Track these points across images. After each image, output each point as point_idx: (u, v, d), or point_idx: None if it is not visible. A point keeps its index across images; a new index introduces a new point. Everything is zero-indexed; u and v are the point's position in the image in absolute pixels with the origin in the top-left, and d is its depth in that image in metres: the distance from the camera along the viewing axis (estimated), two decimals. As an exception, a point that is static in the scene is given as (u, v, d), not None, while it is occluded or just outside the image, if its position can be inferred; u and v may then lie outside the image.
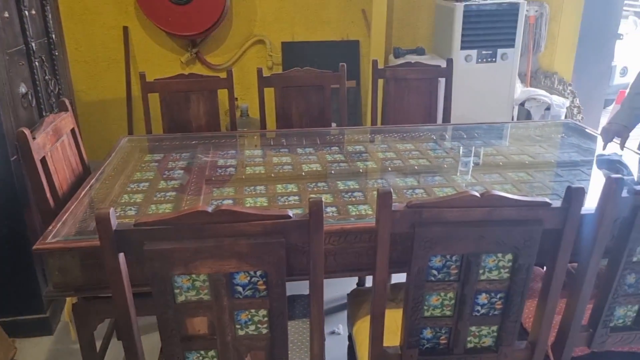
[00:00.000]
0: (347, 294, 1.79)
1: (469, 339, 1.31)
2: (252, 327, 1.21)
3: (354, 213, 1.61)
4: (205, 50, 3.83)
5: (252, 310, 1.18)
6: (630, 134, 2.12)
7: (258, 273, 1.14)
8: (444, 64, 2.78)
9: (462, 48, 3.44)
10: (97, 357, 1.74)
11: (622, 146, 2.13)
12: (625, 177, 1.88)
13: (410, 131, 2.46)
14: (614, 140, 2.14)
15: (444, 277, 1.22)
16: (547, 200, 1.15)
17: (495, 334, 1.31)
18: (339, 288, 2.24)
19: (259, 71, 2.59)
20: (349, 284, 2.24)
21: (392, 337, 1.32)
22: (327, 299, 2.61)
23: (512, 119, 3.75)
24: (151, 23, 3.61)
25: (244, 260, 1.10)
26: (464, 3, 3.35)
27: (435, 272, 1.21)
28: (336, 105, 2.70)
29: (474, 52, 3.48)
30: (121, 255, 1.10)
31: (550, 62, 4.09)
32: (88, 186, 1.80)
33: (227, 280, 1.13)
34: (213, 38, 3.78)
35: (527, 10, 3.69)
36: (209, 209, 1.06)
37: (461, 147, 2.23)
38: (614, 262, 1.30)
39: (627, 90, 2.21)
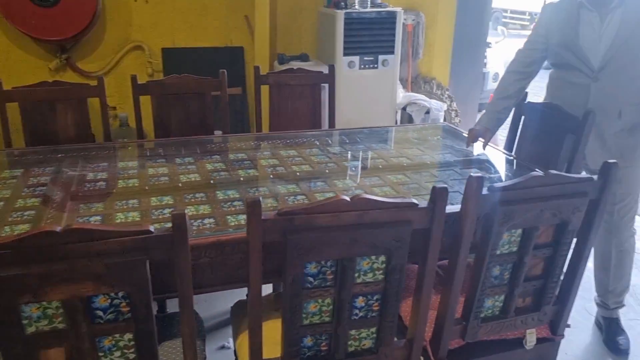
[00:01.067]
0: (231, 307, 1.73)
1: (349, 342, 1.31)
2: (118, 354, 1.11)
3: (233, 223, 1.56)
4: (77, 56, 3.57)
5: (116, 335, 1.09)
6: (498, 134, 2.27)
7: (120, 294, 1.05)
8: (327, 70, 2.81)
9: (345, 54, 3.51)
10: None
11: (484, 146, 2.27)
12: (492, 175, 2.02)
13: (294, 137, 2.45)
14: (480, 140, 2.28)
15: (320, 283, 1.20)
16: (414, 201, 1.18)
17: (374, 335, 1.32)
18: (230, 300, 2.16)
19: (133, 78, 2.45)
20: (242, 295, 2.18)
21: (276, 349, 1.28)
22: (217, 312, 2.54)
23: (396, 123, 3.90)
24: (13, 27, 3.30)
25: (102, 282, 1.00)
26: (344, 11, 3.42)
27: (311, 279, 1.19)
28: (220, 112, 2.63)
29: (356, 59, 3.56)
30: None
31: (428, 68, 4.31)
32: None
33: (84, 305, 1.03)
34: (85, 43, 3.53)
35: (404, 19, 3.86)
36: (58, 229, 0.96)
37: (343, 152, 2.26)
38: (479, 257, 1.37)
39: (492, 95, 2.37)
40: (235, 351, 1.60)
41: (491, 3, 4.74)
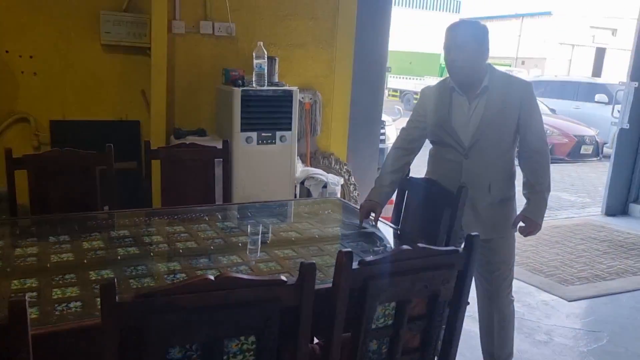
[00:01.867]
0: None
1: None
2: None
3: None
4: (-49, 129, 3.34)
5: None
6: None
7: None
8: (221, 145, 2.82)
9: (243, 130, 3.56)
10: None
11: (376, 220, 2.35)
12: (377, 248, 2.07)
13: (184, 213, 2.39)
14: (371, 216, 2.35)
15: (185, 369, 1.14)
16: (282, 277, 1.17)
17: (247, 422, 1.25)
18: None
19: (7, 151, 2.31)
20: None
21: None
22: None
23: (295, 197, 3.95)
24: None
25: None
26: (241, 88, 3.50)
27: (175, 365, 1.12)
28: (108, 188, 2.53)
29: (254, 134, 3.62)
30: None
31: (327, 144, 4.47)
32: None
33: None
34: (-36, 115, 3.33)
35: (302, 97, 4.02)
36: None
37: (232, 227, 2.23)
38: (355, 332, 1.37)
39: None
40: None
41: (384, 85, 5.09)
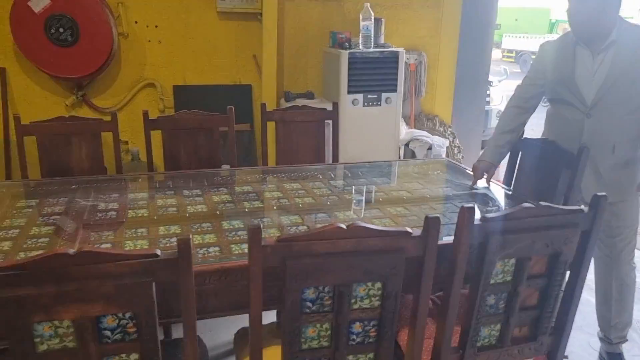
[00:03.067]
0: (234, 334, 1.77)
1: (347, 368, 1.35)
2: (124, 374, 1.16)
3: (237, 252, 1.62)
4: (92, 93, 3.72)
5: (123, 355, 1.14)
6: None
7: (127, 315, 1.10)
8: (331, 108, 2.91)
9: (349, 92, 3.63)
10: None
11: (489, 181, 2.33)
12: (490, 208, 2.07)
13: (299, 171, 2.53)
14: (484, 176, 2.34)
15: (318, 308, 1.25)
16: (408, 229, 1.24)
17: (371, 360, 1.36)
18: (234, 331, 2.20)
19: (145, 114, 2.56)
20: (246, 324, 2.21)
21: (275, 374, 1.32)
22: (222, 342, 2.56)
23: (399, 159, 3.98)
24: (32, 65, 3.46)
25: (111, 303, 1.06)
26: (348, 51, 3.55)
27: (309, 304, 1.24)
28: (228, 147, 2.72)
29: (360, 97, 3.67)
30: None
31: (431, 105, 4.42)
32: (-54, 236, 1.66)
33: (93, 325, 1.09)
34: (100, 81, 3.68)
35: (407, 58, 3.99)
36: (71, 251, 1.02)
37: (345, 185, 2.33)
38: (474, 286, 1.41)
39: (494, 131, 2.45)
40: (237, 378, 1.64)
41: (492, 44, 4.89)
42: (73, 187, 2.20)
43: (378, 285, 1.27)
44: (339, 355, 1.30)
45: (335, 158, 2.94)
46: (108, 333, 1.10)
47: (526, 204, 1.38)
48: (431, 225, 1.24)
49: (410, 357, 1.39)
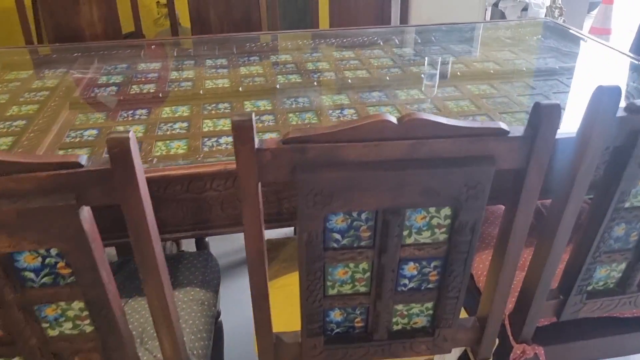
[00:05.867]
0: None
1: (394, 319, 0.95)
2: (69, 325, 0.82)
3: (255, 144, 1.19)
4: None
5: (61, 304, 0.79)
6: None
7: (53, 252, 0.73)
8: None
9: None
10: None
11: None
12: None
13: (354, 36, 1.99)
14: None
15: (351, 242, 0.82)
16: (502, 125, 0.74)
17: (430, 312, 0.94)
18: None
19: (163, -39, 2.05)
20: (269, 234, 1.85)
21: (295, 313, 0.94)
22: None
23: (485, 21, 3.27)
24: None
25: (18, 235, 0.68)
26: None
27: (337, 236, 0.81)
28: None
29: (440, -58, 2.92)
30: None
31: (530, -46, 3.54)
32: None
33: (8, 264, 0.73)
34: None
35: None
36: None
37: (412, 55, 1.79)
38: (599, 207, 0.92)
39: None
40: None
41: None
42: (75, 55, 1.80)
43: (446, 211, 0.81)
44: (381, 305, 0.89)
45: (404, 20, 2.35)
46: (31, 275, 0.74)
47: None
48: (545, 117, 0.73)
49: (489, 303, 0.96)
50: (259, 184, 0.74)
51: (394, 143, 0.72)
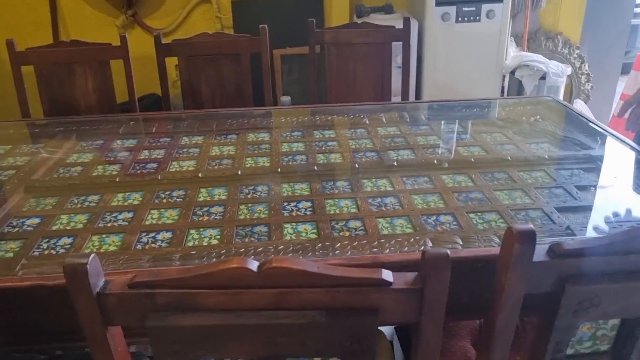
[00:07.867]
0: None
1: None
2: None
3: (190, 243, 1.12)
4: (143, 12, 3.31)
5: None
6: None
7: None
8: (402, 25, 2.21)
9: (438, 4, 2.83)
10: None
11: (632, 125, 1.56)
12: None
13: (343, 112, 1.93)
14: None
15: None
16: (385, 275, 0.63)
17: None
18: None
19: (156, 37, 2.07)
20: None
21: None
22: None
23: (502, 92, 3.16)
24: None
25: None
26: (439, -52, 2.73)
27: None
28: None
29: (452, 9, 2.86)
30: None
31: (554, 20, 3.44)
32: None
33: None
34: (151, -2, 3.26)
35: (522, -44, 3.05)
36: None
37: (394, 134, 1.70)
38: (535, 356, 0.78)
39: None
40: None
41: None
42: (58, 129, 1.82)
43: (333, 362, 0.70)
44: None
45: (405, 94, 2.27)
46: None
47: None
48: (431, 268, 0.62)
49: None
50: (109, 328, 0.66)
51: (256, 291, 0.63)
